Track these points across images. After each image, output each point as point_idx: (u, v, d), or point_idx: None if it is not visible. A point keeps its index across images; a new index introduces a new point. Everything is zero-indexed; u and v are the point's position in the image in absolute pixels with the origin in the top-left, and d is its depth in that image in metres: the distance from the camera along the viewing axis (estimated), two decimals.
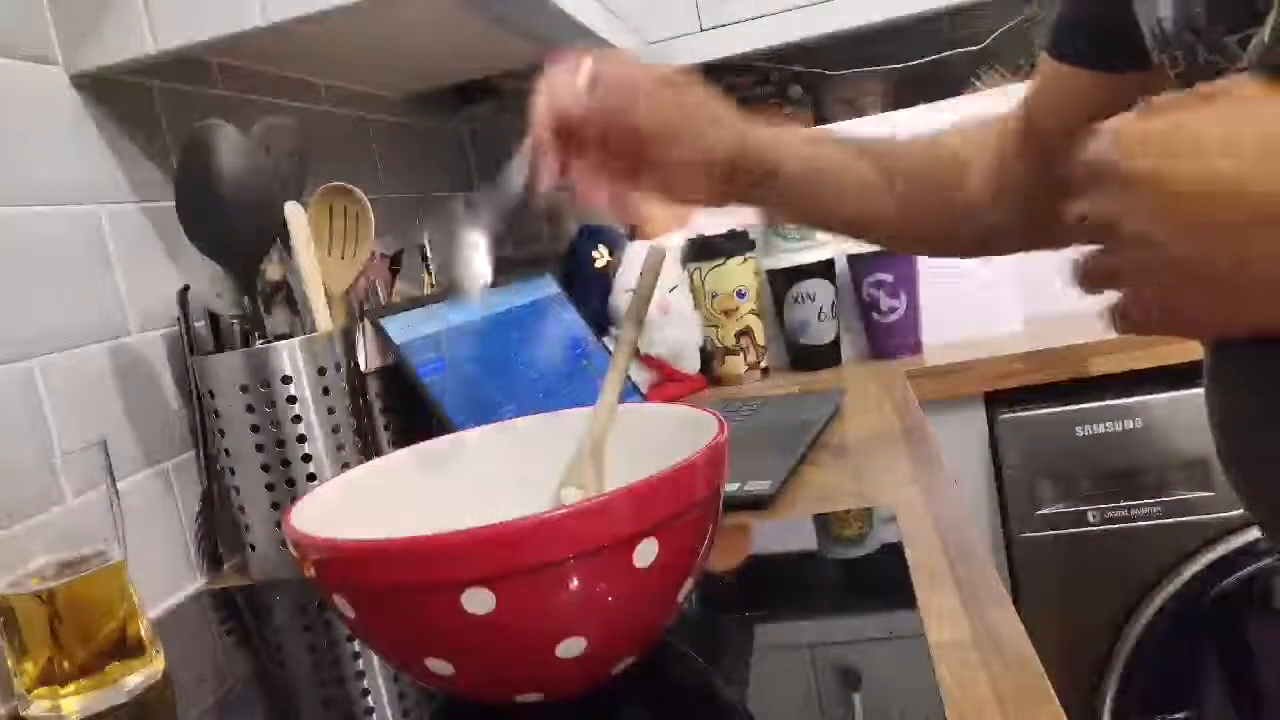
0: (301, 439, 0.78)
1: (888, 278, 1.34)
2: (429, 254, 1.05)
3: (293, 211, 0.81)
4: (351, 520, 0.52)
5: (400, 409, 0.90)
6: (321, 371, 0.80)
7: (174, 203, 0.78)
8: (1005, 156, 0.70)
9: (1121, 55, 0.58)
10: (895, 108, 1.53)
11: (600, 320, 1.29)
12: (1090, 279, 0.37)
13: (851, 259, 1.37)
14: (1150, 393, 1.15)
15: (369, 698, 0.58)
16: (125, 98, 0.85)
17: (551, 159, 0.55)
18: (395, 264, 1.06)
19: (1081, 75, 0.63)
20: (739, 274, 1.34)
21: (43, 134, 0.76)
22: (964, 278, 1.37)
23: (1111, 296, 0.37)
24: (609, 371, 0.58)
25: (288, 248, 0.83)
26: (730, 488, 0.77)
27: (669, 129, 0.55)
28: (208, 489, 0.86)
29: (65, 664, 0.60)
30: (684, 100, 0.56)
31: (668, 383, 1.30)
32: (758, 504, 0.77)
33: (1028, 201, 0.67)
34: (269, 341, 0.79)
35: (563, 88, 0.53)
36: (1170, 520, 1.15)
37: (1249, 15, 0.43)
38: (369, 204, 0.87)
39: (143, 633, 0.64)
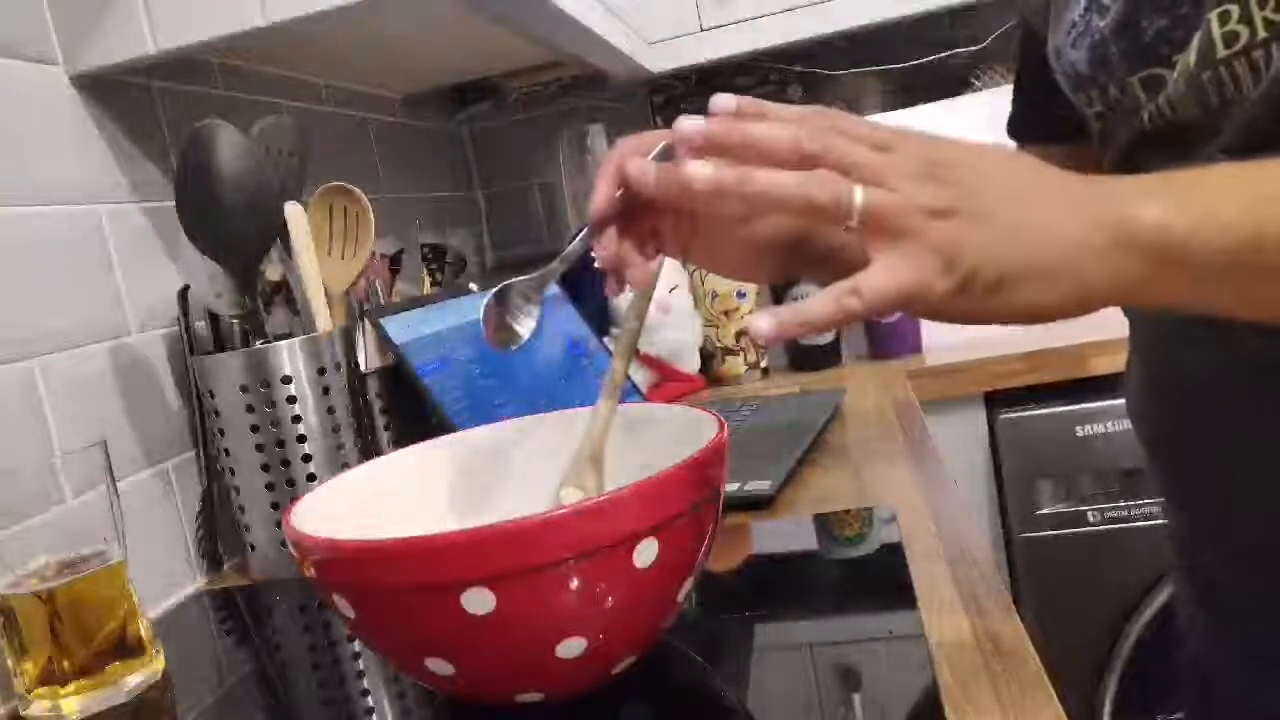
0: (301, 439, 0.78)
1: None
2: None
3: (293, 211, 0.81)
4: (351, 520, 0.52)
5: (400, 409, 0.90)
6: (321, 371, 0.80)
7: (174, 203, 0.78)
8: None
9: (1061, 127, 0.62)
10: (895, 108, 1.53)
11: (600, 320, 1.29)
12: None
13: None
14: None
15: (369, 698, 0.58)
16: (125, 98, 0.85)
17: (611, 234, 0.51)
18: (395, 264, 1.06)
19: (1037, 150, 0.69)
20: None
21: (43, 134, 0.76)
22: None
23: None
24: (609, 371, 0.58)
25: (288, 248, 0.83)
26: (730, 488, 0.77)
27: (733, 216, 0.53)
28: (208, 489, 0.86)
29: (65, 664, 0.60)
30: None
31: (668, 383, 1.30)
32: (758, 504, 0.77)
33: None
34: (269, 341, 0.79)
35: (634, 164, 0.49)
36: None
37: (1154, 56, 0.48)
38: (369, 204, 0.87)
39: (143, 633, 0.64)
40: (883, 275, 0.38)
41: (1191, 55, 0.45)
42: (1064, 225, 0.38)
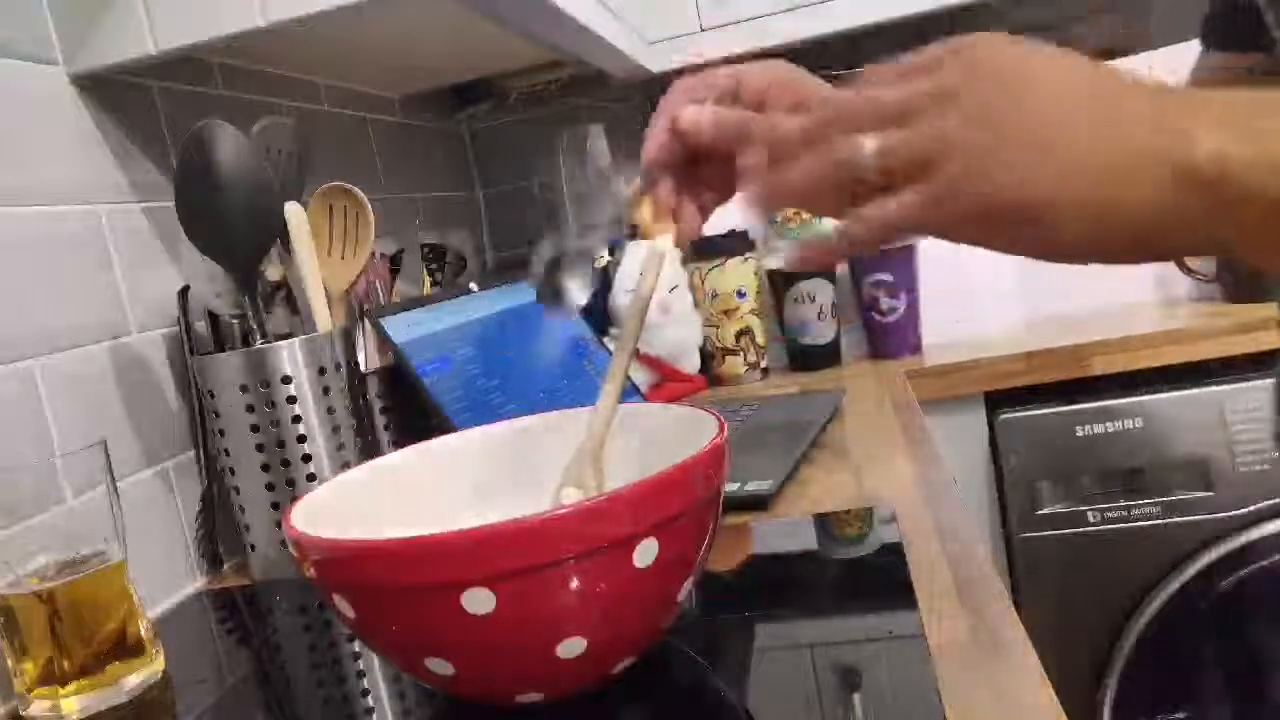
0: (301, 439, 0.78)
1: (888, 278, 1.34)
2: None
3: (293, 211, 0.81)
4: (351, 520, 0.52)
5: (400, 409, 0.90)
6: (321, 371, 0.80)
7: (174, 203, 0.78)
8: None
9: (1244, 37, 0.67)
10: None
11: (600, 320, 1.29)
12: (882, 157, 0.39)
13: (851, 259, 1.37)
14: (1150, 393, 1.15)
15: (369, 698, 0.58)
16: (125, 98, 0.85)
17: (668, 181, 0.51)
18: (395, 264, 1.06)
19: (1216, 57, 0.76)
20: (739, 274, 1.34)
21: (43, 134, 0.76)
22: (964, 277, 1.37)
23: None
24: (609, 372, 0.58)
25: (288, 248, 0.83)
26: (730, 488, 0.77)
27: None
28: (208, 489, 0.86)
29: (65, 664, 0.60)
30: None
31: (668, 383, 1.30)
32: (758, 504, 0.77)
33: None
34: (269, 341, 0.79)
35: (688, 113, 0.48)
36: (1170, 520, 1.15)
37: None
38: (369, 204, 0.87)
39: (143, 633, 0.64)
40: (886, 204, 0.38)
41: None
42: (1104, 148, 0.34)
